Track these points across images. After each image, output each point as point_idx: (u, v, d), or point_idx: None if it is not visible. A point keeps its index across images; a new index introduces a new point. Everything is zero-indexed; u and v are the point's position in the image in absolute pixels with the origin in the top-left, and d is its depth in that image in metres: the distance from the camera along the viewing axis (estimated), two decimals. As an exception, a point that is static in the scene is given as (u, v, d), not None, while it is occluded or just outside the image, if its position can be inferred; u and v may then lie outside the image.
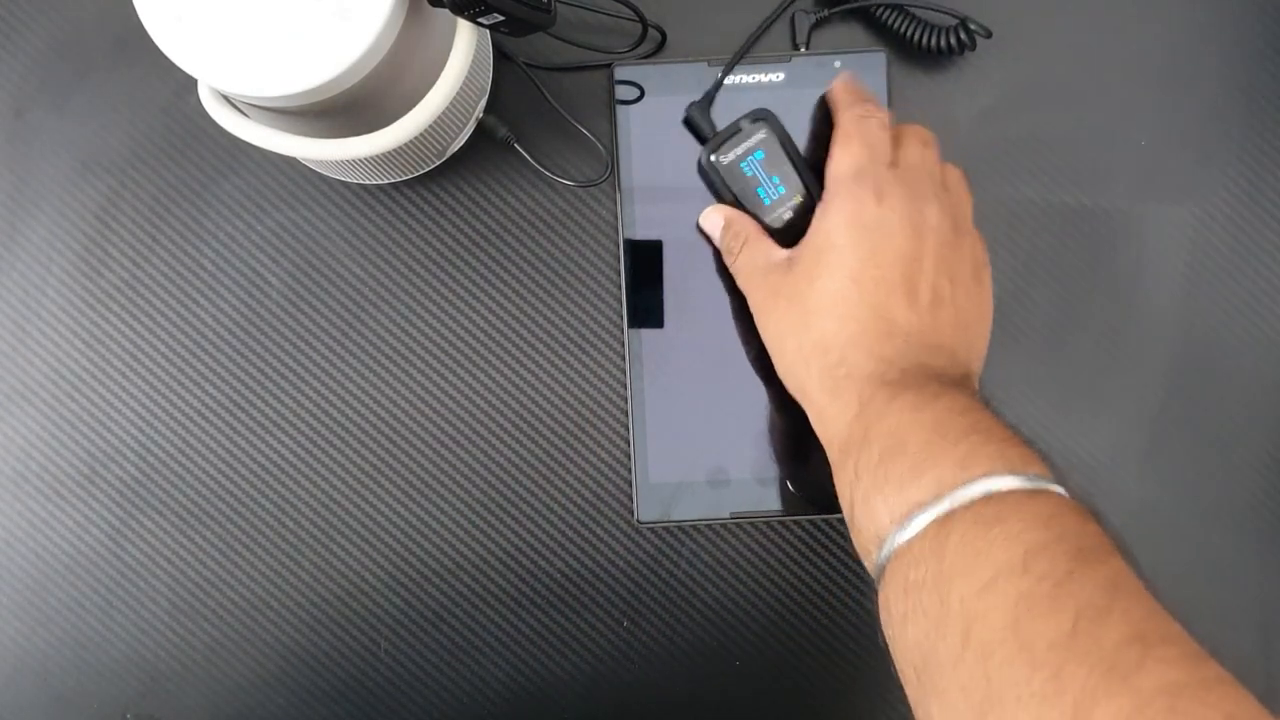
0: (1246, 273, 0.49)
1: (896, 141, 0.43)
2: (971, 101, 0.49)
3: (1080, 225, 0.49)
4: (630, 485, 0.49)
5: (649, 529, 0.49)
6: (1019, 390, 0.49)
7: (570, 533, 0.49)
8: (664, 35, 0.48)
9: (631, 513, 0.49)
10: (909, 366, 0.38)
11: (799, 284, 0.41)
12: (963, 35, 0.46)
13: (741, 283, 0.44)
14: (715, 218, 0.46)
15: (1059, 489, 0.33)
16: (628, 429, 0.49)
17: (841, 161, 0.42)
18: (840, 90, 0.44)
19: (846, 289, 0.39)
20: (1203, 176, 0.49)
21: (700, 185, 0.47)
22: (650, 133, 0.48)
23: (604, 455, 0.49)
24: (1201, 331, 0.49)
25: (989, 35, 0.46)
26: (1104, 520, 0.33)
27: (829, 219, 0.41)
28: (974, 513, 0.32)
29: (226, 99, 0.38)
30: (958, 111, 0.49)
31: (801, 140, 0.46)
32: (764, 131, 0.45)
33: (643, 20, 0.46)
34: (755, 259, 0.44)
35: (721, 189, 0.45)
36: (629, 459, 0.49)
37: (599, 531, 0.49)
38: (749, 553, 0.49)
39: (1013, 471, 0.33)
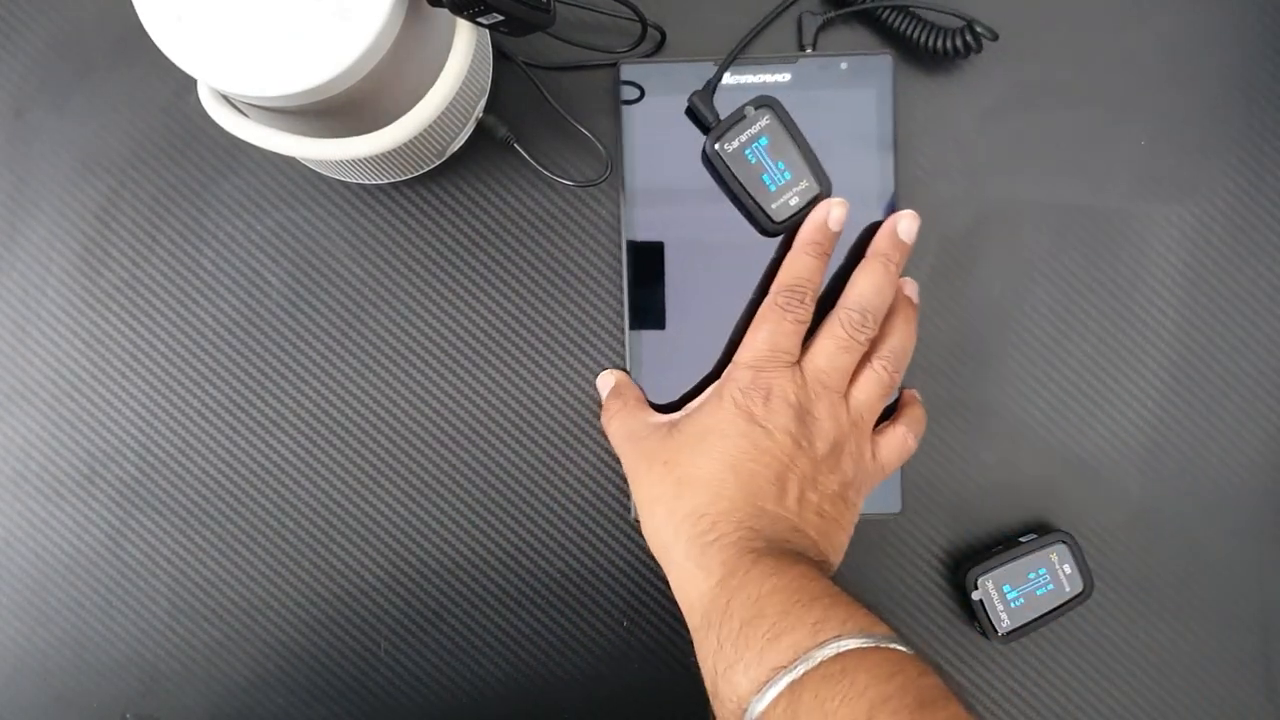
0: (1246, 273, 0.49)
1: (815, 340, 0.44)
2: (973, 102, 0.49)
3: (1080, 225, 0.49)
4: (629, 485, 0.49)
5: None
6: (1019, 390, 0.49)
7: (570, 532, 0.49)
8: (663, 35, 0.48)
9: (630, 511, 0.49)
10: (774, 538, 0.40)
11: (678, 454, 0.43)
12: (969, 38, 0.46)
13: (615, 442, 0.46)
14: (609, 379, 0.48)
15: (902, 646, 0.35)
16: (627, 429, 0.49)
17: (746, 348, 0.44)
18: (798, 242, 0.45)
19: (724, 473, 0.41)
20: (1203, 176, 0.49)
21: (703, 184, 0.47)
22: (654, 132, 0.48)
23: (603, 455, 0.49)
24: (1201, 331, 0.49)
25: (995, 38, 0.46)
26: (943, 671, 0.35)
27: (722, 407, 0.43)
28: (823, 671, 0.34)
29: (226, 99, 0.38)
30: (959, 112, 0.49)
31: (806, 130, 0.46)
32: (768, 118, 0.45)
33: (642, 20, 0.46)
34: (632, 423, 0.45)
35: (727, 177, 0.45)
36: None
37: (598, 531, 0.49)
38: (749, 553, 0.49)
39: (862, 632, 0.35)
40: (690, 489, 0.42)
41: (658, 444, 0.44)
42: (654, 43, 0.48)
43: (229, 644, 0.50)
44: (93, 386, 0.49)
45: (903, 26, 0.47)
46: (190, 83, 0.36)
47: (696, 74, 0.47)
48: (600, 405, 0.48)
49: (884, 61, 0.47)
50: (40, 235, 0.49)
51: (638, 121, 0.48)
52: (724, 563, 0.39)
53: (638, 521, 0.44)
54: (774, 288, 0.45)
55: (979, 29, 0.46)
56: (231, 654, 0.50)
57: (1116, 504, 0.49)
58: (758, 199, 0.45)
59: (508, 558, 0.49)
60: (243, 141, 0.38)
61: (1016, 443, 0.49)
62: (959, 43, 0.46)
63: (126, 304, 0.49)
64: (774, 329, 0.43)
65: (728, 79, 0.47)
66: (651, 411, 0.46)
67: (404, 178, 0.48)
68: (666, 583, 0.49)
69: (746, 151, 0.45)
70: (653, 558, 0.49)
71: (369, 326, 0.49)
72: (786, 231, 0.46)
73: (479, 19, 0.36)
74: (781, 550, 0.40)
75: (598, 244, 0.49)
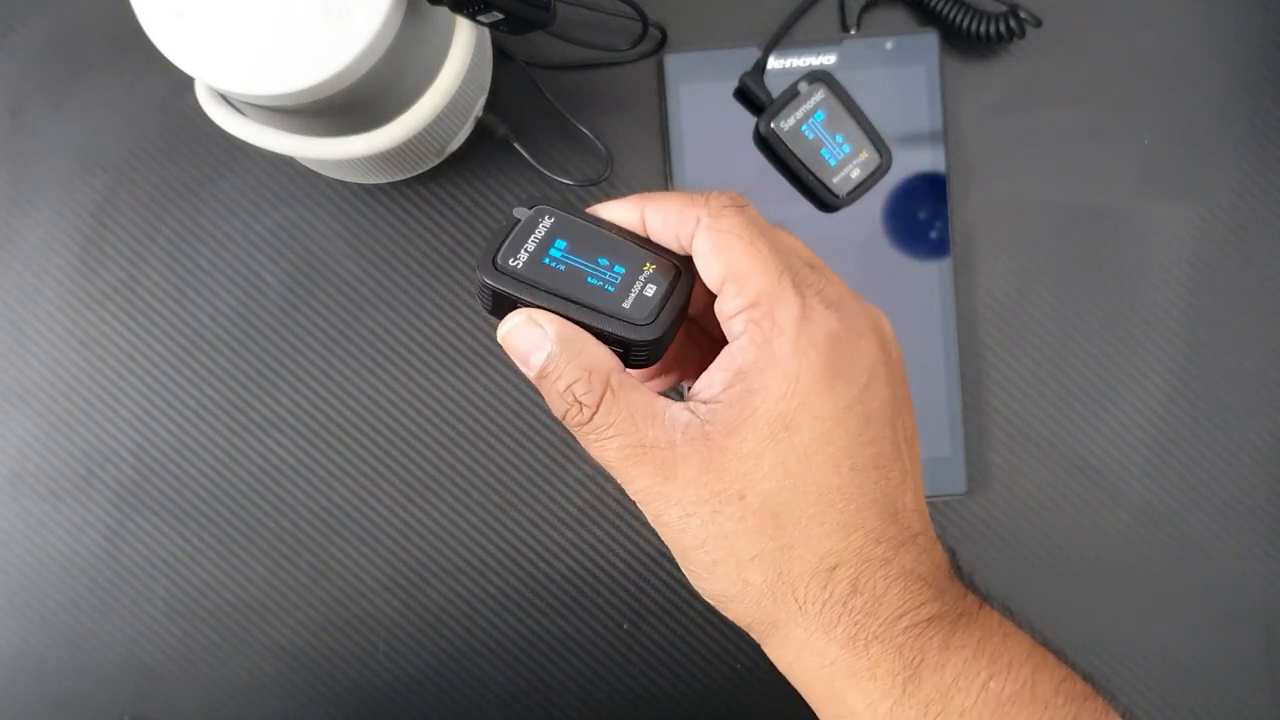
0: (1249, 271, 0.49)
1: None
2: (974, 99, 0.48)
3: (1083, 224, 0.49)
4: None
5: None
6: (1021, 390, 0.49)
7: (570, 534, 0.49)
8: (664, 34, 0.47)
9: (630, 511, 0.49)
10: (925, 574, 0.27)
11: (746, 472, 0.26)
12: (1012, 23, 0.46)
13: (612, 460, 0.28)
14: (532, 333, 0.27)
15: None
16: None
17: (752, 277, 0.27)
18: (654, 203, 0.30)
19: (845, 481, 0.26)
20: (1206, 175, 0.48)
21: (755, 168, 0.46)
22: (702, 121, 0.48)
23: (604, 456, 0.49)
24: (1204, 331, 0.49)
25: (1039, 24, 0.46)
26: None
27: (779, 361, 0.26)
28: None
29: (223, 98, 0.38)
30: (960, 109, 0.48)
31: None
32: (823, 92, 0.44)
33: (644, 19, 0.46)
34: (636, 422, 0.27)
35: (784, 155, 0.44)
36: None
37: (598, 533, 0.49)
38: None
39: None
40: (795, 529, 0.26)
41: (704, 458, 0.27)
42: (654, 41, 0.48)
43: (226, 645, 0.49)
44: (90, 387, 0.49)
45: (944, 9, 0.47)
46: (188, 81, 0.36)
47: (738, 61, 0.47)
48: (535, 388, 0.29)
49: (930, 39, 0.47)
50: (37, 234, 0.49)
51: (685, 111, 0.48)
52: (898, 650, 0.26)
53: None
54: (680, 219, 0.29)
55: (1023, 14, 0.45)
56: (229, 656, 0.49)
57: (1119, 504, 0.49)
58: (818, 175, 0.44)
59: (507, 559, 0.49)
60: (240, 141, 0.38)
61: (1019, 442, 0.49)
62: (1002, 28, 0.46)
63: (124, 303, 0.49)
64: (764, 229, 0.29)
65: (773, 63, 0.47)
66: (649, 391, 0.28)
67: (403, 177, 0.47)
68: (666, 584, 0.49)
69: (803, 127, 0.44)
70: (653, 559, 0.49)
71: (367, 326, 0.49)
72: (849, 205, 0.46)
73: (479, 17, 0.36)
74: (941, 586, 0.27)
75: (598, 243, 0.49)
